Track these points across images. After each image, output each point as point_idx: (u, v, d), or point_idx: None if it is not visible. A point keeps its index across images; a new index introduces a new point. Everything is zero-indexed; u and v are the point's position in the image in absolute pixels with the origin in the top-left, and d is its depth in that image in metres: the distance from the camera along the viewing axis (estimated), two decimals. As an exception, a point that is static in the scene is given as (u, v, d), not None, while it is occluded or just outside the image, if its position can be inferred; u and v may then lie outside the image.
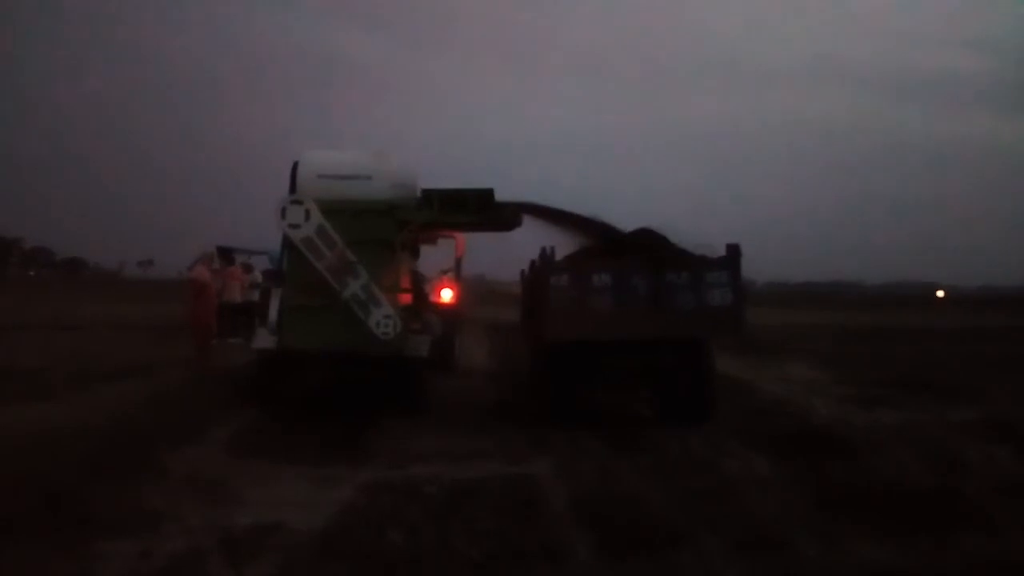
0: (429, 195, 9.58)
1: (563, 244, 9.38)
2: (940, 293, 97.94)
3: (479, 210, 9.59)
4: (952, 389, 11.47)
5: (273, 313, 9.28)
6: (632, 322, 8.38)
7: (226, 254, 18.01)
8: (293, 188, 9.32)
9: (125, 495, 5.60)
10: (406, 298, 9.72)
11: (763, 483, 6.34)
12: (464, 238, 12.33)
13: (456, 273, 13.46)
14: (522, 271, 10.53)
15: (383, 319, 8.85)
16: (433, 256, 12.75)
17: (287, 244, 9.19)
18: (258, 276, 20.31)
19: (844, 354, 17.43)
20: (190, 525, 5.09)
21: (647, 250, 8.83)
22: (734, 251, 8.49)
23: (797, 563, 4.67)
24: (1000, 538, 5.11)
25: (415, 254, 11.01)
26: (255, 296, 19.54)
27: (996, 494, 5.98)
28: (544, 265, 8.72)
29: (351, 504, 5.70)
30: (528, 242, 9.62)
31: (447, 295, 13.32)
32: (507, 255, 10.29)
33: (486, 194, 9.58)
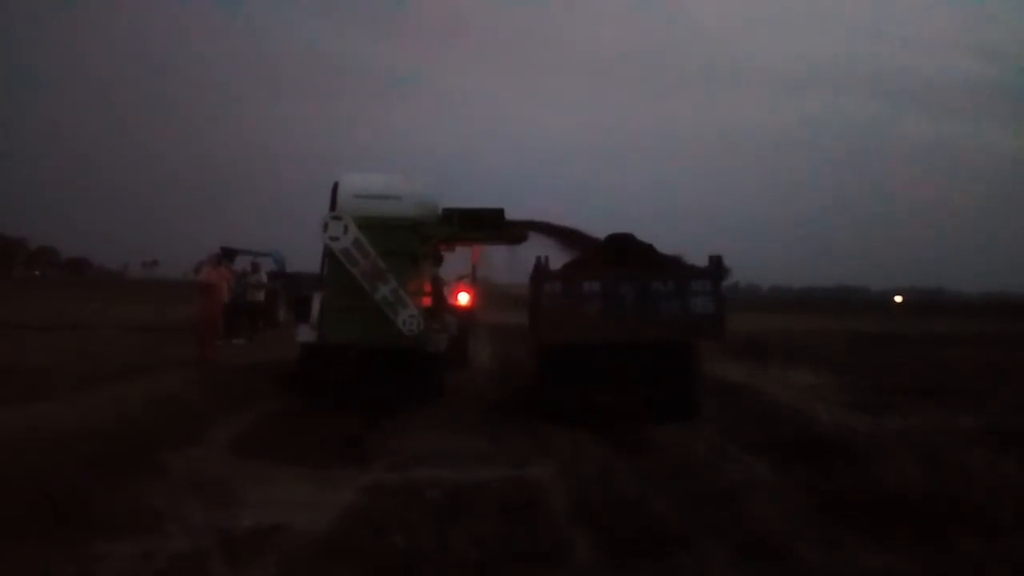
0: (449, 213, 10.97)
1: (562, 255, 10.53)
2: (898, 299, 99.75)
3: (492, 226, 11.07)
4: (955, 395, 11.44)
5: (314, 312, 10.59)
6: (620, 327, 9.02)
7: (229, 255, 18.09)
8: (333, 205, 10.67)
9: (127, 495, 5.61)
10: (427, 301, 11.05)
11: (765, 488, 6.32)
12: (480, 248, 13.38)
13: (472, 278, 14.88)
14: (531, 276, 10.87)
15: (408, 318, 10.16)
16: (451, 262, 13.81)
17: (327, 253, 10.54)
18: (263, 277, 20.41)
19: (847, 359, 17.39)
20: (191, 526, 5.10)
21: (637, 259, 9.54)
22: (717, 262, 9.18)
23: (798, 568, 4.66)
24: (1002, 545, 5.08)
25: (437, 261, 12.25)
26: (260, 296, 19.69)
27: (998, 501, 5.95)
28: (538, 273, 9.36)
29: (353, 506, 5.70)
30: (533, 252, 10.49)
31: (463, 299, 14.71)
32: (515, 263, 11.40)
33: (498, 213, 11.04)
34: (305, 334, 10.55)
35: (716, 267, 9.19)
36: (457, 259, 13.71)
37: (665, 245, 10.01)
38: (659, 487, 6.31)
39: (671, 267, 9.54)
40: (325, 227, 10.27)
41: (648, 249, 9.85)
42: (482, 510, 5.63)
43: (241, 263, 20.37)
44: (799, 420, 9.40)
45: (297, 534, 5.05)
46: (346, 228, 10.21)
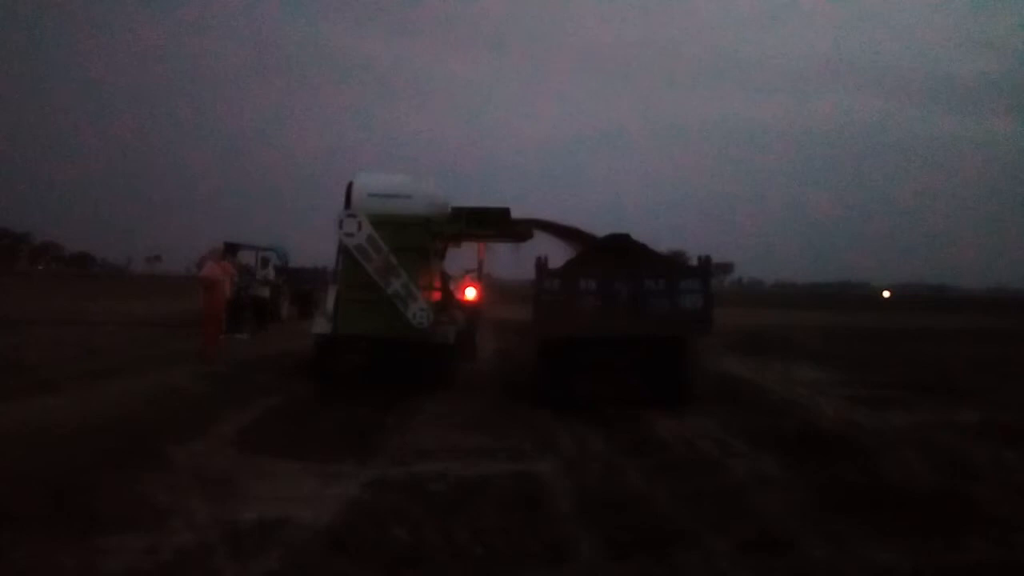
0: (458, 211, 11.53)
1: (565, 252, 11.01)
2: (886, 293, 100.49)
3: (499, 225, 11.55)
4: (958, 390, 11.43)
5: (329, 305, 11.20)
6: (614, 322, 9.44)
7: (232, 250, 18.12)
8: (348, 204, 11.16)
9: (131, 490, 5.61)
10: (437, 295, 11.59)
11: (769, 483, 6.32)
12: (486, 245, 13.99)
13: (478, 274, 15.57)
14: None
15: (418, 311, 10.67)
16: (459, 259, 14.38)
17: (342, 249, 11.04)
18: (271, 273, 20.45)
19: (850, 355, 17.37)
20: (195, 520, 5.10)
21: (632, 258, 9.97)
22: (705, 262, 9.80)
23: (803, 564, 4.65)
24: (1007, 540, 5.08)
25: (442, 256, 12.64)
26: (264, 292, 19.72)
27: (1003, 496, 5.95)
28: (537, 271, 9.76)
29: (357, 500, 5.70)
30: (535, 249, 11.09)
31: (470, 293, 15.26)
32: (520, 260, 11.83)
33: (504, 212, 11.51)
34: (320, 325, 11.14)
35: (704, 266, 9.76)
36: (464, 256, 14.20)
37: (668, 241, 10.37)
38: (662, 482, 6.30)
39: (662, 266, 10.04)
40: (340, 224, 10.75)
41: (642, 248, 10.23)
42: (485, 505, 5.63)
43: (245, 258, 20.38)
44: (802, 415, 9.40)
45: (301, 528, 5.05)
46: (360, 225, 10.70)
